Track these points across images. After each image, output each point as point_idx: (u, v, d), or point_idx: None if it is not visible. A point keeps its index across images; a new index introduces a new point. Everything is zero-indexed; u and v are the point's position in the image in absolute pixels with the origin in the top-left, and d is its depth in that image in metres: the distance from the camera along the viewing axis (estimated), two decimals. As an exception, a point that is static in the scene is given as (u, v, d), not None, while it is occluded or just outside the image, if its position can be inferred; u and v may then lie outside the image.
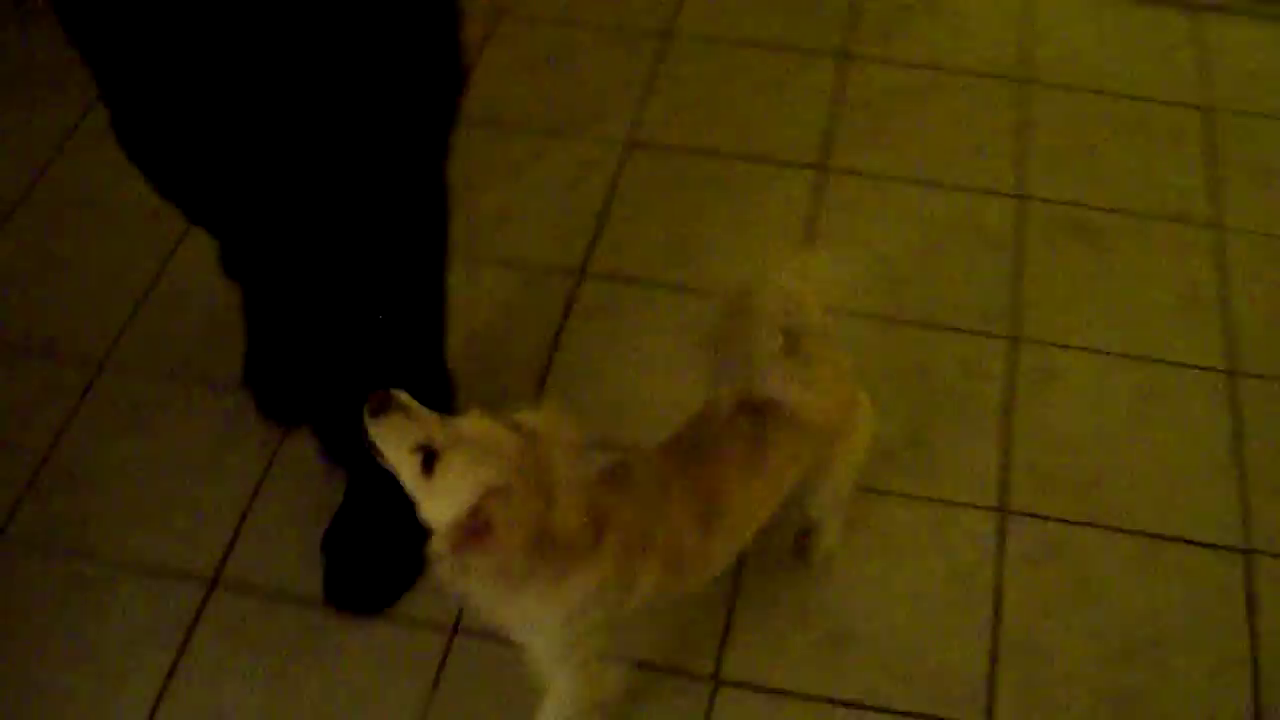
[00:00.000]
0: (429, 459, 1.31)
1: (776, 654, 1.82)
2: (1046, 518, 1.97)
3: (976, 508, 1.97)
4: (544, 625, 1.48)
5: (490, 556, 1.29)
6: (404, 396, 1.34)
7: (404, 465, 1.34)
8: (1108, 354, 2.19)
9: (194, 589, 1.90)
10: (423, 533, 1.89)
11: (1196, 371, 2.16)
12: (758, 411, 1.53)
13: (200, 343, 2.19)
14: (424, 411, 1.34)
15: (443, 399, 1.88)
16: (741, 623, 1.85)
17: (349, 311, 1.70)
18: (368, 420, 1.34)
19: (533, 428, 1.35)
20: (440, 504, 1.33)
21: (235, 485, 2.01)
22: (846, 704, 1.77)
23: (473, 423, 1.34)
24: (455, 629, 1.84)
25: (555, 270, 2.30)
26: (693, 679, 1.79)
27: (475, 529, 1.29)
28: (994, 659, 1.81)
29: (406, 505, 1.88)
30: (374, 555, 1.89)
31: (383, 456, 1.35)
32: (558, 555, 1.35)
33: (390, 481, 1.88)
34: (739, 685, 1.78)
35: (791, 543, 1.91)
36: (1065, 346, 2.19)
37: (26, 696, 1.80)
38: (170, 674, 1.82)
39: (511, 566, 1.32)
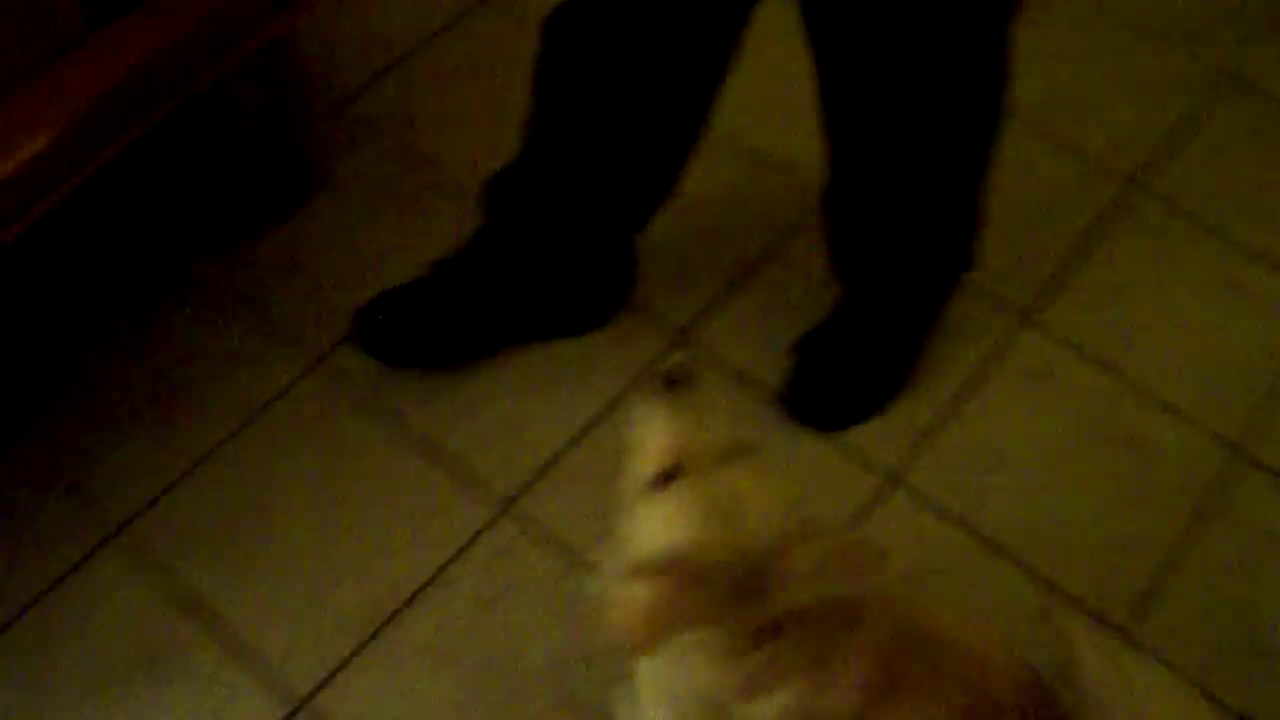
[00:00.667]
0: (671, 474, 1.06)
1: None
2: None
3: None
4: (659, 693, 1.26)
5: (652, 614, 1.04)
6: (707, 390, 1.09)
7: (644, 457, 1.08)
8: None
9: (659, 342, 1.91)
10: (899, 371, 1.87)
11: None
12: None
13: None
14: (715, 419, 1.08)
15: (965, 235, 1.81)
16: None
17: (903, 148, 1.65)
18: (653, 384, 1.09)
19: (809, 530, 1.07)
20: (641, 528, 1.08)
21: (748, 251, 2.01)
22: None
23: (744, 477, 1.06)
24: (895, 478, 1.80)
25: (1113, 172, 2.16)
26: None
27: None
28: None
29: (893, 339, 1.88)
30: (846, 376, 1.87)
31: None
32: (717, 635, 1.12)
33: (887, 311, 1.88)
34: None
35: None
36: None
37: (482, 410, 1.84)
38: (595, 416, 1.83)
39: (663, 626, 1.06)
